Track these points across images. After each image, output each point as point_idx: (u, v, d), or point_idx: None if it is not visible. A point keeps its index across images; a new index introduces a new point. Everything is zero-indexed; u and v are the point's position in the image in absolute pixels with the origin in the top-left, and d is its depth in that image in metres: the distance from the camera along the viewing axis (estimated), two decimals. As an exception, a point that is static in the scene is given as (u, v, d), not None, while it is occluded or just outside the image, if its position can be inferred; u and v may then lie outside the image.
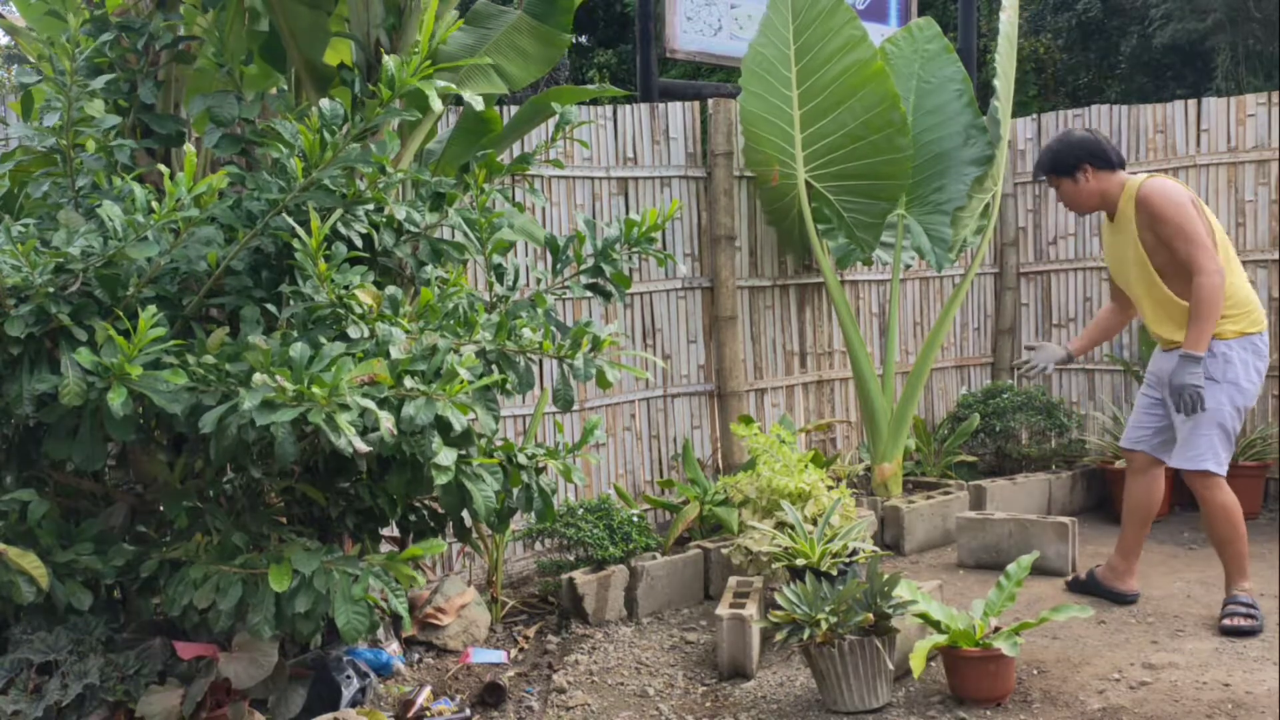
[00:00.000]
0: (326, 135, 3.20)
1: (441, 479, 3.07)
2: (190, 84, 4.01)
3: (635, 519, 5.15)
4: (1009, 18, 6.19)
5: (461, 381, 3.05)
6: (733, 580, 4.68)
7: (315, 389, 2.81)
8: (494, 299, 3.77)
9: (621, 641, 4.63)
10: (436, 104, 3.32)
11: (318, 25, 4.01)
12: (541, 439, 5.51)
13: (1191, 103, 6.86)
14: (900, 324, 7.16)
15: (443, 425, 3.04)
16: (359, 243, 3.36)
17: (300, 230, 3.11)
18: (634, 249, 3.91)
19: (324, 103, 3.28)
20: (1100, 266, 7.19)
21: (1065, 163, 4.55)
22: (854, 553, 4.42)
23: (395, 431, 2.93)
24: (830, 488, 4.98)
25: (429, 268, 3.64)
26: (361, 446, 2.86)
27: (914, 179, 6.27)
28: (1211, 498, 4.45)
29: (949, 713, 3.78)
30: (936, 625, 3.85)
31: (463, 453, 3.23)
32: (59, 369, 2.96)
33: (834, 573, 4.29)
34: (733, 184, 6.28)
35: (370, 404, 2.90)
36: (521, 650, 4.56)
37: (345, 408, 2.85)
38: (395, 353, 3.09)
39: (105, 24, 3.61)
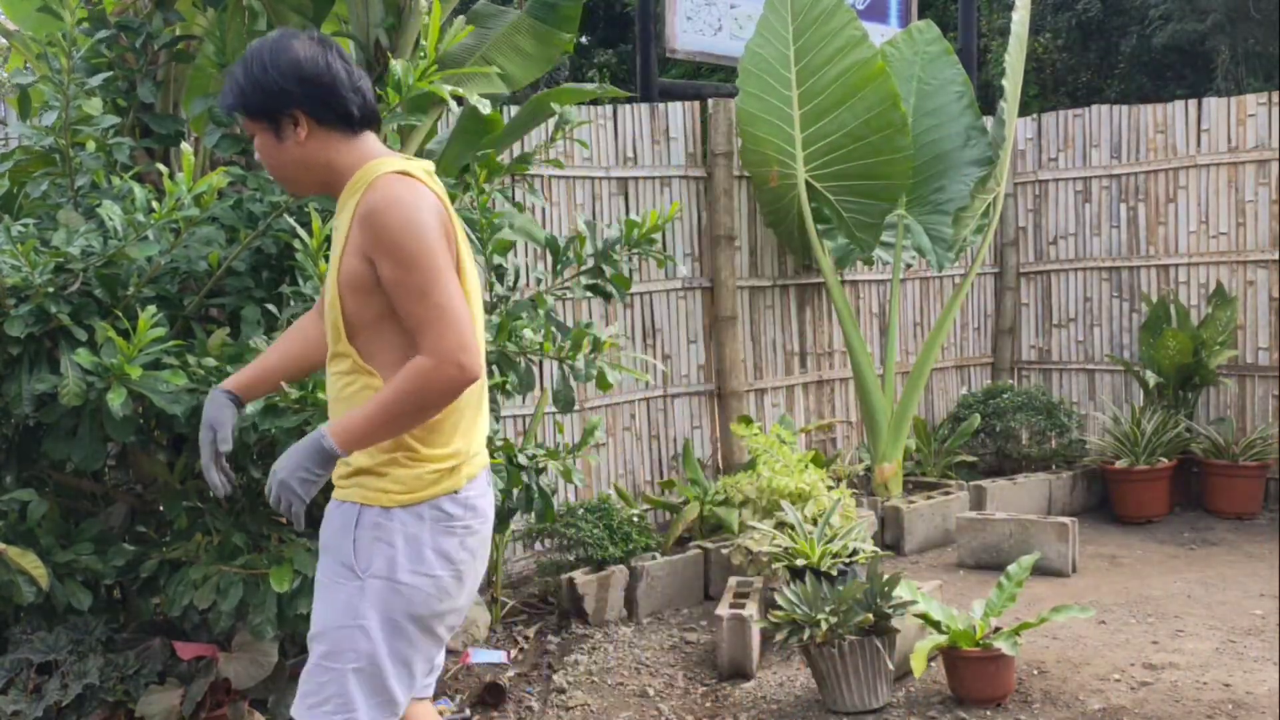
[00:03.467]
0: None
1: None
2: (190, 83, 4.01)
3: (635, 519, 5.15)
4: (1020, 18, 6.19)
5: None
6: (733, 580, 4.68)
7: (320, 394, 2.81)
8: (494, 299, 3.76)
9: (621, 641, 4.63)
10: (453, 103, 3.31)
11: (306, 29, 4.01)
12: (541, 439, 5.51)
13: (1192, 103, 6.86)
14: (900, 324, 7.16)
15: (443, 426, 3.04)
16: (359, 243, 3.35)
17: (301, 231, 3.10)
18: (634, 250, 3.91)
19: (325, 103, 3.27)
20: (1103, 266, 7.20)
21: (266, 99, 2.25)
22: (854, 553, 4.42)
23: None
24: (830, 488, 4.98)
25: (429, 268, 3.63)
26: (361, 447, 2.84)
27: (914, 179, 6.28)
28: None
29: (949, 713, 3.78)
30: (936, 625, 3.85)
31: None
32: (59, 369, 2.96)
33: (834, 573, 4.28)
34: (733, 184, 6.28)
35: (370, 404, 2.89)
36: (521, 650, 4.56)
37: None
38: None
39: (103, 22, 3.60)
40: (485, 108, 3.54)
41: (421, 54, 3.20)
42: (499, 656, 4.41)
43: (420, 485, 2.25)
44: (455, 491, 2.28)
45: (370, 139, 2.32)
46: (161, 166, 3.29)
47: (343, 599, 2.25)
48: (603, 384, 3.49)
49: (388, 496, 2.24)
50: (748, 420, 5.73)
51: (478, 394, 2.34)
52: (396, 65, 3.21)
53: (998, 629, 3.93)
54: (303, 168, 2.29)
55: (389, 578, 2.23)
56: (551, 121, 4.42)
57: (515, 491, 3.50)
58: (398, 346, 2.23)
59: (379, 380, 2.23)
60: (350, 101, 2.27)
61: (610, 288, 3.88)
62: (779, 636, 3.82)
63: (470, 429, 2.33)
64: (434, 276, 2.15)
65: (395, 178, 2.21)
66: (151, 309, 2.86)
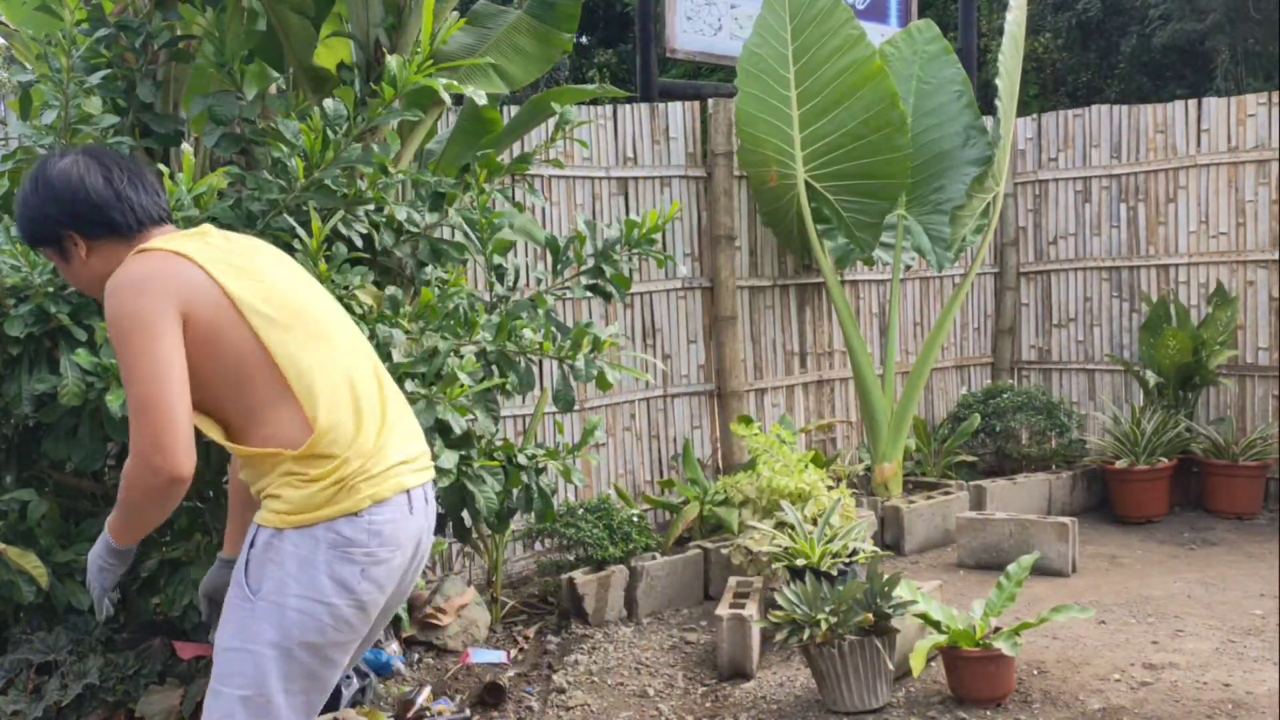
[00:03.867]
0: (330, 134, 3.19)
1: (443, 482, 3.08)
2: (189, 83, 4.01)
3: (635, 519, 5.14)
4: (1015, 18, 6.19)
5: (461, 385, 3.05)
6: (733, 580, 4.68)
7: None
8: (494, 299, 3.77)
9: (621, 642, 4.63)
10: (446, 97, 3.31)
11: (306, 30, 4.01)
12: (541, 439, 5.51)
13: (1192, 103, 6.86)
14: (900, 324, 7.16)
15: (443, 428, 3.05)
16: (359, 243, 3.36)
17: (301, 230, 3.10)
18: (634, 250, 3.91)
19: (327, 102, 3.28)
20: (1103, 266, 7.20)
21: (42, 229, 2.29)
22: (854, 553, 4.41)
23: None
24: (830, 488, 4.98)
25: (429, 268, 3.64)
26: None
27: (914, 179, 6.28)
28: None
29: (949, 713, 3.78)
30: (936, 625, 3.85)
31: (463, 454, 3.23)
32: (58, 369, 2.96)
33: (834, 573, 4.28)
34: (733, 184, 6.28)
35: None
36: (521, 650, 4.56)
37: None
38: (396, 355, 3.09)
39: (102, 21, 3.60)
40: (481, 99, 3.53)
41: (417, 48, 3.20)
42: (499, 656, 4.41)
43: (311, 506, 2.15)
44: (355, 514, 2.17)
45: (158, 235, 2.27)
46: (161, 166, 3.29)
47: (235, 621, 2.19)
48: (603, 383, 3.49)
49: (280, 518, 2.16)
50: (748, 420, 5.73)
51: (375, 407, 2.26)
52: (391, 60, 3.21)
53: (998, 629, 3.93)
54: (96, 282, 2.25)
55: (278, 601, 2.14)
56: (551, 121, 4.42)
57: (515, 491, 3.50)
58: (236, 403, 2.18)
59: (254, 448, 2.18)
60: (113, 210, 2.23)
61: (610, 288, 3.88)
62: (779, 636, 3.82)
63: (370, 446, 2.22)
64: (134, 364, 2.06)
65: (128, 262, 2.17)
66: (151, 309, 2.85)
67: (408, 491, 2.26)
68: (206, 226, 2.33)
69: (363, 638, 2.29)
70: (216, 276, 2.16)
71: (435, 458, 3.04)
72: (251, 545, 2.20)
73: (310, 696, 2.22)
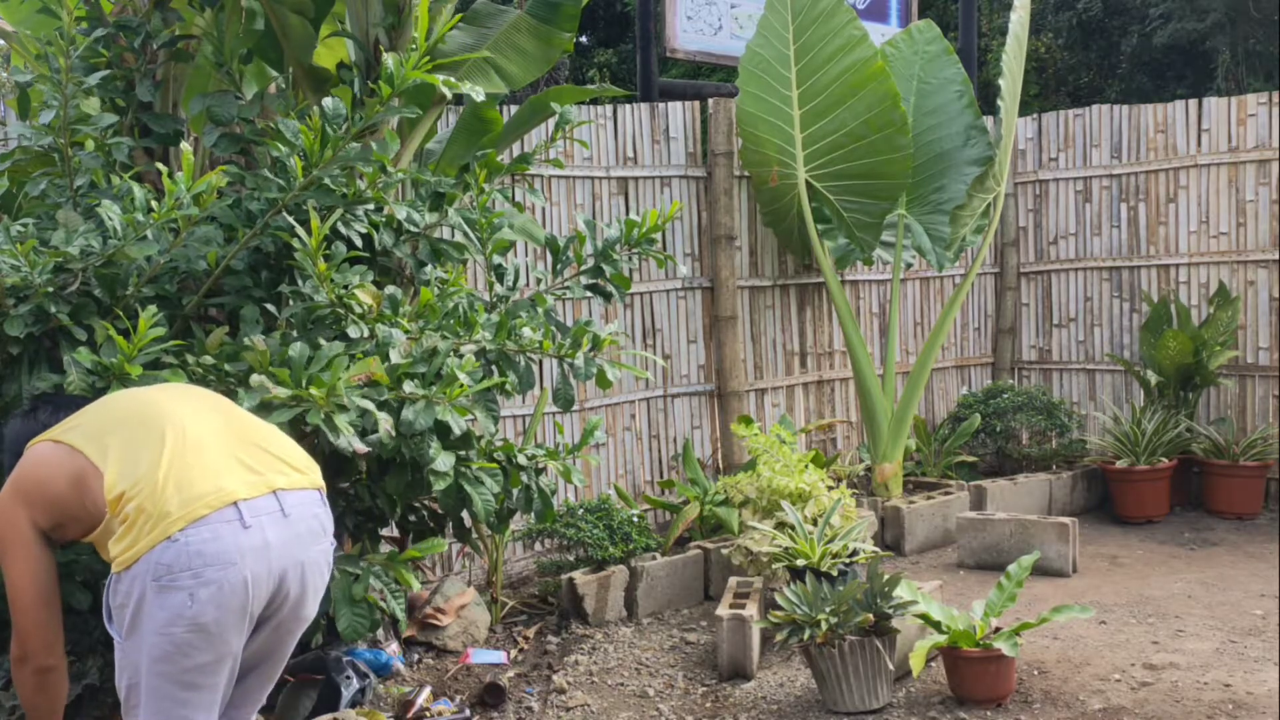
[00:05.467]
0: (329, 131, 3.19)
1: (440, 484, 3.07)
2: (188, 83, 4.01)
3: (635, 519, 5.14)
4: (1019, 17, 6.19)
5: (461, 385, 3.04)
6: (733, 580, 4.68)
7: (313, 389, 2.81)
8: (494, 299, 3.76)
9: (621, 642, 4.62)
10: (446, 92, 3.31)
11: (305, 29, 4.01)
12: (541, 439, 5.51)
13: (1192, 102, 6.86)
14: (900, 324, 7.16)
15: (442, 429, 3.04)
16: (359, 242, 3.35)
17: (300, 230, 3.10)
18: (634, 250, 3.90)
19: (326, 101, 3.27)
20: (1103, 266, 7.20)
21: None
22: (854, 553, 4.41)
23: (394, 433, 2.92)
24: (830, 488, 4.98)
25: (429, 268, 3.64)
26: (360, 447, 2.86)
27: (914, 179, 6.27)
28: None
29: (949, 713, 3.78)
30: (937, 625, 3.84)
31: (462, 455, 3.22)
32: (59, 368, 2.96)
33: (834, 573, 4.28)
34: (733, 184, 6.28)
35: (369, 405, 2.90)
36: (521, 650, 4.55)
37: (343, 408, 2.85)
38: (395, 355, 3.09)
39: (101, 21, 3.60)
40: (479, 96, 3.53)
41: (413, 45, 3.20)
42: (499, 656, 4.41)
43: (132, 544, 2.29)
44: (168, 538, 2.27)
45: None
46: (161, 166, 3.29)
47: (116, 661, 2.35)
48: (602, 382, 3.48)
49: (116, 561, 2.31)
50: (748, 420, 5.73)
51: (201, 442, 2.40)
52: (388, 58, 3.21)
53: (998, 629, 3.93)
54: None
55: (131, 638, 2.30)
56: (551, 121, 4.42)
57: (515, 491, 3.50)
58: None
59: (96, 533, 2.40)
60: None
61: (610, 287, 3.88)
62: (779, 637, 3.82)
63: (161, 476, 2.33)
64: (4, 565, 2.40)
65: None
66: (151, 308, 2.86)
67: (236, 504, 2.33)
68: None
69: (224, 655, 2.34)
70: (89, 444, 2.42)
71: (432, 460, 3.03)
72: (108, 590, 2.35)
73: (197, 713, 2.34)
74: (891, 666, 3.82)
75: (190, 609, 2.24)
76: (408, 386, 3.02)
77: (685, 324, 6.25)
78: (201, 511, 2.28)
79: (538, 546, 5.49)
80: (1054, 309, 7.46)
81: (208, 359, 3.00)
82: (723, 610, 4.27)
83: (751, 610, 4.25)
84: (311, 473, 2.53)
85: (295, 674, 3.73)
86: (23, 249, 2.93)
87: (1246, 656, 4.21)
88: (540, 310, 3.64)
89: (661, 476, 6.13)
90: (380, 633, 4.24)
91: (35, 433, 2.52)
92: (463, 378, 3.05)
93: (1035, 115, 7.58)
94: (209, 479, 2.34)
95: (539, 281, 3.94)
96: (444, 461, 3.06)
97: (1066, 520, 5.45)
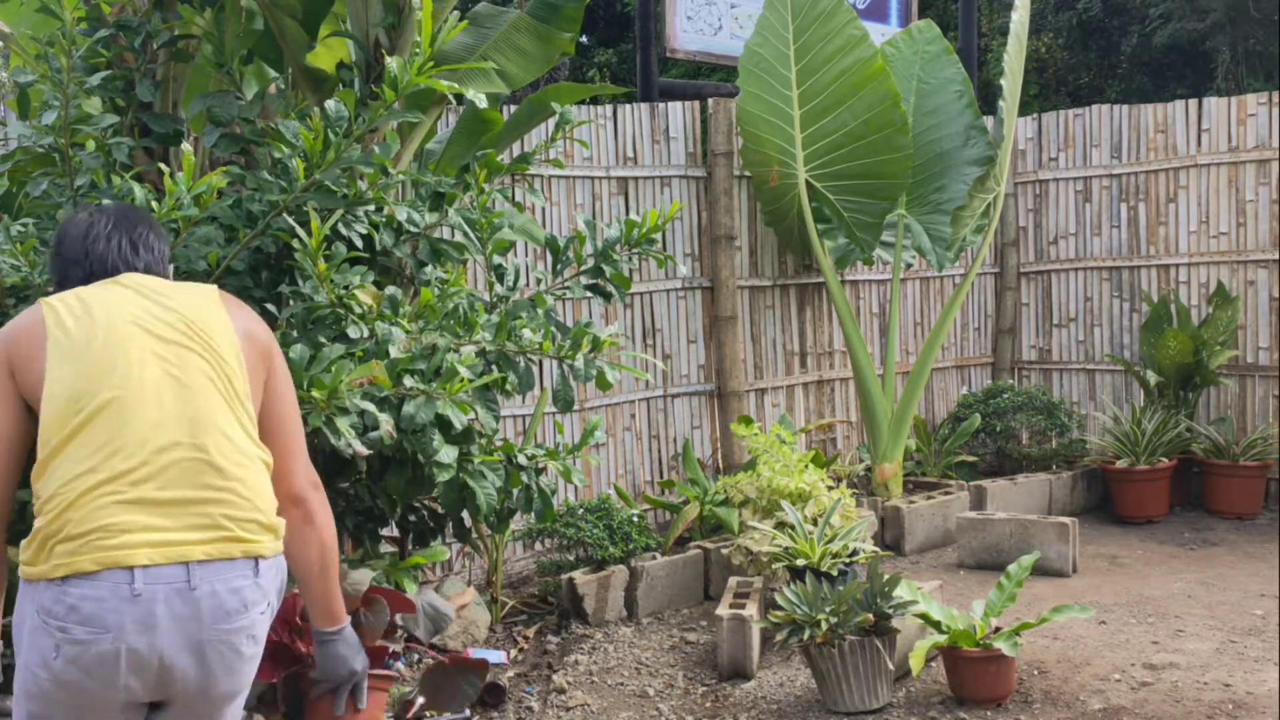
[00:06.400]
0: (332, 135, 3.19)
1: (443, 476, 3.07)
2: (189, 83, 4.00)
3: (635, 519, 5.14)
4: (1020, 17, 6.19)
5: (461, 380, 3.04)
6: (733, 580, 4.68)
7: (314, 392, 2.81)
8: (494, 299, 3.76)
9: (621, 642, 4.62)
10: (450, 96, 3.30)
11: (301, 33, 4.01)
12: (541, 439, 5.51)
13: (1192, 102, 6.86)
14: (900, 324, 7.16)
15: (443, 423, 3.04)
16: (359, 243, 3.35)
17: (301, 231, 3.10)
18: (634, 250, 3.90)
19: (329, 103, 3.27)
20: (1103, 266, 7.20)
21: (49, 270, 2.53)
22: (854, 553, 4.41)
23: (394, 433, 2.92)
24: (830, 488, 4.98)
25: (429, 268, 3.64)
26: (361, 449, 2.86)
27: (914, 179, 6.28)
28: None
29: (949, 713, 3.78)
30: (937, 625, 3.85)
31: (464, 450, 3.22)
32: (58, 369, 2.95)
33: (834, 573, 4.28)
34: (733, 184, 6.28)
35: (370, 406, 2.89)
36: (521, 650, 4.55)
37: (344, 411, 2.85)
38: (395, 352, 3.09)
39: (101, 21, 3.60)
40: (482, 101, 3.53)
41: (417, 49, 3.20)
42: (499, 656, 4.41)
43: (33, 558, 2.02)
44: (51, 581, 1.98)
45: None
46: (161, 166, 3.29)
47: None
48: (602, 383, 3.48)
49: (23, 565, 2.03)
50: (748, 420, 5.73)
51: (117, 459, 2.04)
52: (392, 62, 3.21)
53: (998, 629, 3.93)
54: None
55: (18, 658, 2.05)
56: (551, 121, 4.42)
57: (515, 491, 3.50)
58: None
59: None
60: (53, 270, 2.34)
61: (610, 288, 3.87)
62: (779, 636, 3.82)
63: (80, 500, 2.01)
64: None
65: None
66: (151, 309, 2.85)
67: (130, 569, 1.98)
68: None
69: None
70: (53, 330, 2.14)
71: (435, 453, 3.03)
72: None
73: None
74: (891, 666, 3.82)
75: (54, 660, 1.97)
76: (408, 382, 3.02)
77: (685, 324, 6.26)
78: (89, 567, 1.97)
79: (538, 546, 5.49)
80: (1054, 309, 7.46)
81: (208, 359, 2.99)
82: (723, 610, 4.27)
83: (751, 610, 4.25)
84: (257, 535, 2.12)
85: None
86: (23, 249, 2.93)
87: (1246, 656, 4.21)
88: (540, 310, 3.64)
89: (661, 476, 6.13)
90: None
91: (66, 266, 2.27)
92: (463, 371, 3.05)
93: (1035, 115, 7.58)
94: (117, 531, 2.00)
95: (539, 282, 3.94)
96: (447, 453, 3.06)
97: (1066, 520, 5.46)
